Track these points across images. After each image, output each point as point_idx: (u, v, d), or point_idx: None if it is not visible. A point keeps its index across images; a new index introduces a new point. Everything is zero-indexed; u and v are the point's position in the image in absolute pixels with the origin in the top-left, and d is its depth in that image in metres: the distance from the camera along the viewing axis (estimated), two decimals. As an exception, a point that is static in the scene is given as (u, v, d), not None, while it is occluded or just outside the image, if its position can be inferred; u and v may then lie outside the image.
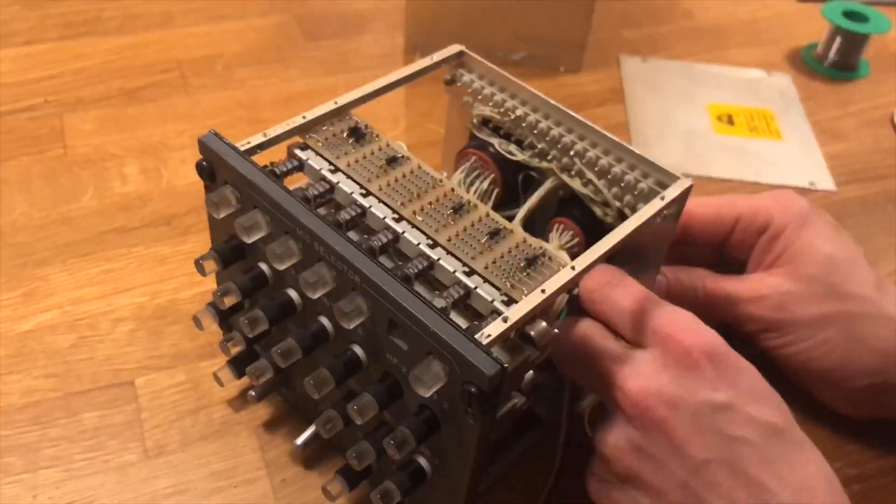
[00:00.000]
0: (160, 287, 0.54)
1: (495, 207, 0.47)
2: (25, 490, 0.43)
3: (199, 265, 0.42)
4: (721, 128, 0.74)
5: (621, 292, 0.40)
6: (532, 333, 0.37)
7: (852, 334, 0.46)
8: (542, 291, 0.37)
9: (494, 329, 0.35)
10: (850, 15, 0.81)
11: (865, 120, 0.76)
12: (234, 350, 0.45)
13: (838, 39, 0.81)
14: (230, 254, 0.43)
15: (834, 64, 0.82)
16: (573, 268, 0.38)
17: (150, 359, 0.50)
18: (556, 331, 0.39)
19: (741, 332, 0.49)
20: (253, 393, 0.46)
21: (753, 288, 0.47)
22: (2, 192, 0.60)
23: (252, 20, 0.80)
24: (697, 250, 0.51)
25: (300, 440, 0.45)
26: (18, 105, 0.68)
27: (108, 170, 0.63)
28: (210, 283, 0.49)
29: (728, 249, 0.50)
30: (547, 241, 0.44)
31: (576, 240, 0.44)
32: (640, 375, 0.38)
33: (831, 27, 0.81)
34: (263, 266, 0.42)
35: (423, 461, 0.39)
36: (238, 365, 0.46)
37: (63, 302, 0.53)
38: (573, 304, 0.41)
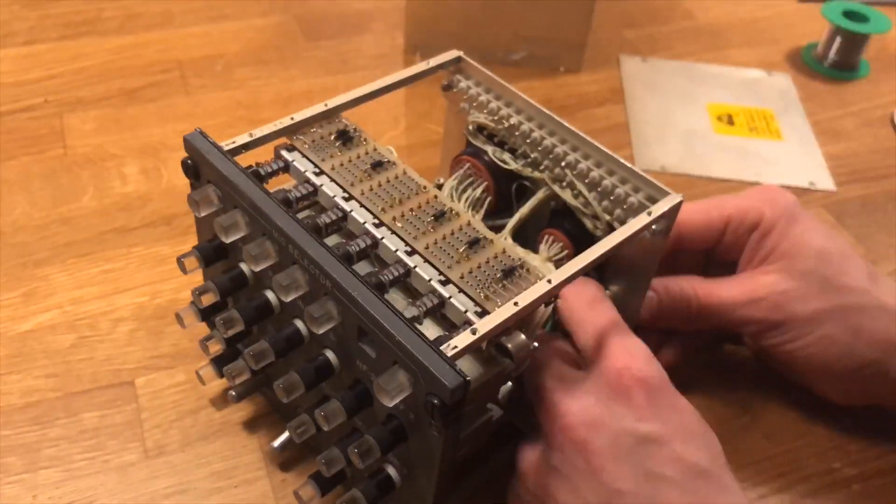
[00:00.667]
0: (160, 287, 0.54)
1: (488, 216, 0.46)
2: (25, 490, 0.43)
3: (180, 263, 0.42)
4: (721, 128, 0.74)
5: (590, 314, 0.40)
6: (509, 346, 0.36)
7: (850, 327, 0.46)
8: (515, 304, 0.36)
9: (462, 341, 0.34)
10: (850, 15, 0.81)
11: (865, 120, 0.76)
12: (214, 349, 0.45)
13: (838, 39, 0.81)
14: (212, 253, 0.43)
15: (834, 64, 0.82)
16: (549, 281, 0.37)
17: (150, 359, 0.50)
18: (535, 344, 0.39)
19: (740, 334, 0.49)
20: (233, 393, 0.46)
21: (749, 290, 0.47)
22: (2, 192, 0.60)
23: (252, 20, 0.80)
24: (686, 256, 0.50)
25: (277, 442, 0.44)
26: (18, 105, 0.68)
27: (108, 170, 0.63)
28: (210, 283, 0.49)
29: (719, 252, 0.50)
30: (537, 251, 0.44)
31: (565, 252, 0.44)
32: (568, 394, 0.37)
33: (831, 27, 0.81)
34: (244, 266, 0.42)
35: (392, 470, 0.38)
36: (221, 363, 0.45)
37: (63, 302, 0.53)
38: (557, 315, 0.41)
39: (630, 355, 0.38)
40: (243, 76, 0.73)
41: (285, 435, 0.44)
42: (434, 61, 0.48)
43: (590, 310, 0.40)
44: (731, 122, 0.74)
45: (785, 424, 0.50)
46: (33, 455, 0.45)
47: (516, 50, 0.77)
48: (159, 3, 0.81)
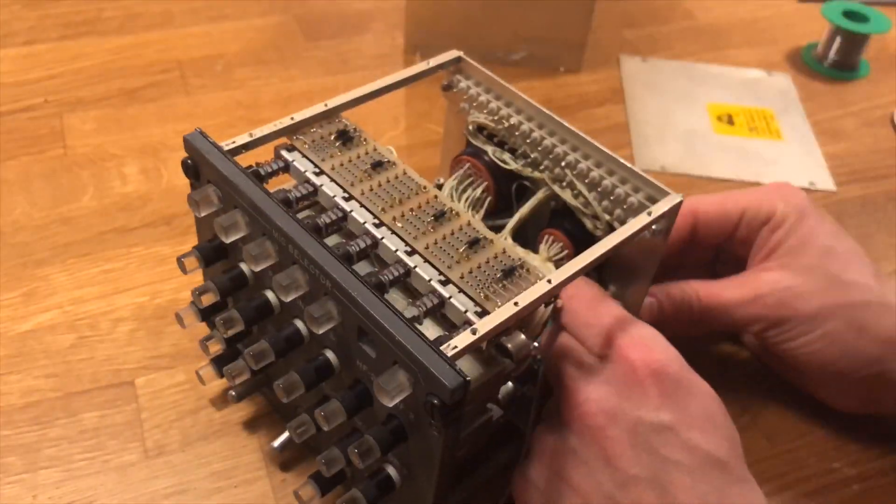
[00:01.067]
0: (160, 287, 0.54)
1: (488, 216, 0.46)
2: (25, 490, 0.43)
3: (180, 263, 0.42)
4: (721, 128, 0.74)
5: (593, 314, 0.40)
6: (509, 346, 0.36)
7: (854, 324, 0.46)
8: (515, 304, 0.36)
9: (462, 341, 0.34)
10: (850, 15, 0.81)
11: (865, 120, 0.76)
12: (214, 349, 0.45)
13: (838, 39, 0.81)
14: (212, 253, 0.43)
15: (834, 64, 0.82)
16: (549, 281, 0.37)
17: (150, 359, 0.50)
18: (535, 344, 0.39)
19: (741, 334, 0.49)
20: (233, 393, 0.46)
21: (752, 288, 0.47)
22: (2, 192, 0.60)
23: (252, 20, 0.80)
24: (697, 251, 0.50)
25: (277, 443, 0.44)
26: (18, 105, 0.68)
27: (108, 170, 0.63)
28: (210, 283, 0.49)
29: (731, 245, 0.50)
30: (537, 251, 0.44)
31: (565, 252, 0.44)
32: (588, 383, 0.38)
33: (831, 27, 0.81)
34: (244, 266, 0.42)
35: (392, 470, 0.38)
36: (221, 363, 0.45)
37: (63, 302, 0.53)
38: (557, 316, 0.41)
39: (643, 346, 0.38)
40: (243, 76, 0.73)
41: (285, 435, 0.44)
42: (434, 61, 0.48)
43: (592, 310, 0.40)
44: (731, 122, 0.74)
45: (785, 424, 0.50)
46: (33, 455, 0.45)
47: (516, 50, 0.77)
48: (159, 3, 0.81)
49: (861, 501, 0.47)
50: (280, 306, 0.41)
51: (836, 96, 0.79)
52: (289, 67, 0.75)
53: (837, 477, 0.48)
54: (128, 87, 0.71)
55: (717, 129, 0.74)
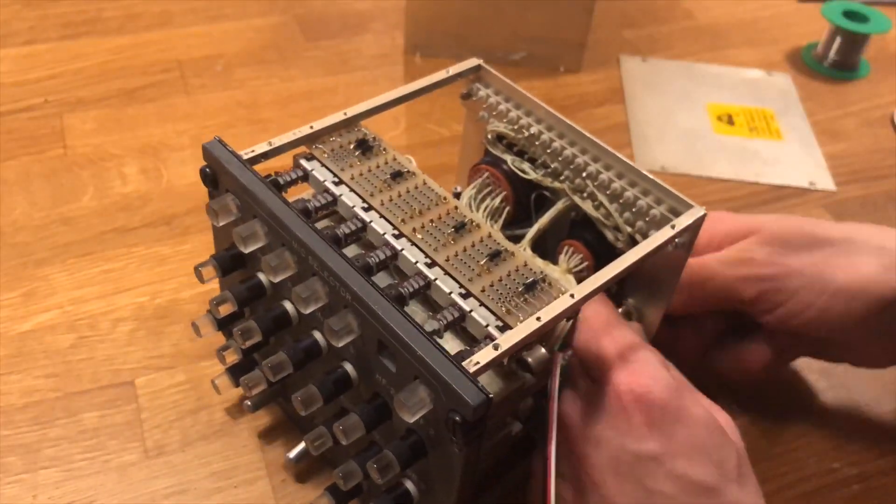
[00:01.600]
0: (160, 287, 0.54)
1: (507, 225, 0.46)
2: (25, 490, 0.43)
3: (198, 272, 0.42)
4: (721, 128, 0.74)
5: (599, 345, 0.39)
6: (530, 360, 0.36)
7: (846, 267, 0.44)
8: (538, 319, 0.35)
9: (484, 356, 0.34)
10: (850, 15, 0.81)
11: (865, 120, 0.76)
12: (230, 359, 0.44)
13: (838, 39, 0.81)
14: (229, 262, 0.42)
15: (834, 64, 0.82)
16: (572, 296, 0.37)
17: (150, 359, 0.50)
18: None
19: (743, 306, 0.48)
20: (249, 403, 0.46)
21: (738, 250, 0.46)
22: (2, 192, 0.60)
23: (252, 20, 0.80)
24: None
25: (293, 454, 0.44)
26: (18, 105, 0.68)
27: (108, 170, 0.63)
28: (212, 284, 0.49)
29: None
30: (555, 262, 0.44)
31: (585, 263, 0.43)
32: (577, 408, 0.38)
33: (831, 27, 0.81)
34: (262, 276, 0.41)
35: (410, 485, 0.38)
36: (237, 373, 0.45)
37: (63, 302, 0.53)
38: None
39: (632, 373, 0.37)
40: (243, 76, 0.73)
41: (301, 446, 0.44)
42: (454, 69, 0.47)
43: (597, 339, 0.39)
44: (731, 122, 0.74)
45: (785, 424, 0.50)
46: (33, 455, 0.45)
47: (516, 50, 0.77)
48: (159, 3, 0.81)
49: (861, 501, 0.47)
50: (298, 317, 0.40)
51: (836, 96, 0.79)
52: (289, 67, 0.75)
53: (837, 477, 0.48)
54: (128, 87, 0.71)
55: (717, 129, 0.74)
